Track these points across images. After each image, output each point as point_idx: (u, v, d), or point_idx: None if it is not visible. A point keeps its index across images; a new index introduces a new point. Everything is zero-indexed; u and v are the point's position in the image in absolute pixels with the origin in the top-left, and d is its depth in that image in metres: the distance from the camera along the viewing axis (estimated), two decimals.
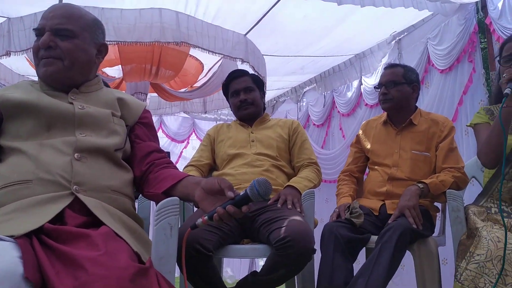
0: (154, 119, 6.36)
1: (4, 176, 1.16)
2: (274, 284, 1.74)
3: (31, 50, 1.36)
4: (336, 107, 4.97)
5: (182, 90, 4.68)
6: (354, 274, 1.80)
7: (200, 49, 3.27)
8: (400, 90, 2.17)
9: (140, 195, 1.58)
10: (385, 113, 2.28)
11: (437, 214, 2.17)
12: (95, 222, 1.14)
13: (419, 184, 1.98)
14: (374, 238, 1.89)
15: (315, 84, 5.23)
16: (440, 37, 3.43)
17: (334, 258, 1.81)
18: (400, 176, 2.10)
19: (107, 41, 3.00)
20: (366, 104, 4.33)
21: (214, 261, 1.73)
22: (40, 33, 1.31)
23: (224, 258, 2.42)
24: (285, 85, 5.61)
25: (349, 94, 4.72)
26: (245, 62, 3.48)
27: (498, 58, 1.92)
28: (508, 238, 1.55)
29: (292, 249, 1.58)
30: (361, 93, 4.46)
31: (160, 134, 6.51)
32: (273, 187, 1.96)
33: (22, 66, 4.18)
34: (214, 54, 3.36)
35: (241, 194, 1.16)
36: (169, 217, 1.25)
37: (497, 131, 1.73)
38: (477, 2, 3.15)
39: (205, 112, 5.63)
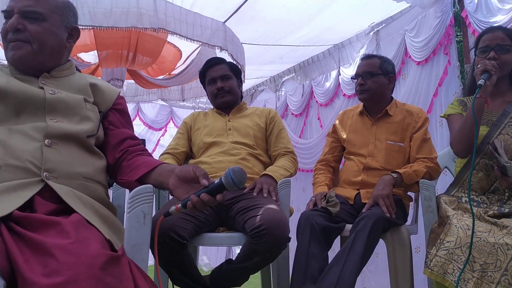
0: (131, 106, 6.28)
1: None
2: (249, 272, 1.75)
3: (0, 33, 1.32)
4: (314, 97, 4.99)
5: (160, 77, 4.63)
6: (329, 262, 1.82)
7: (178, 36, 3.22)
8: (376, 81, 2.19)
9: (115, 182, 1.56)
10: (362, 103, 2.30)
11: (410, 203, 2.21)
12: (66, 210, 1.13)
13: (393, 174, 2.01)
14: (349, 226, 1.92)
15: (294, 74, 5.24)
16: (417, 29, 3.47)
17: (309, 247, 1.83)
18: (375, 166, 2.13)
19: (83, 25, 2.93)
20: (344, 95, 4.37)
21: (189, 249, 1.73)
22: (9, 16, 1.28)
23: (201, 247, 2.42)
24: (264, 74, 5.60)
25: (328, 84, 4.75)
26: (223, 50, 3.45)
27: (474, 50, 1.96)
28: (476, 226, 1.60)
29: (267, 237, 1.59)
30: (339, 83, 4.49)
31: (137, 121, 6.44)
32: (249, 175, 1.97)
33: None
34: (192, 41, 3.32)
35: (215, 182, 1.15)
36: (143, 204, 1.24)
37: (470, 121, 1.77)
38: None
39: (183, 100, 5.58)
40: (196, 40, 3.32)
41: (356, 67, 2.37)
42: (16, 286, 0.91)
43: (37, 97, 1.26)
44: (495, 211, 1.71)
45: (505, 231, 1.56)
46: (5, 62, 1.34)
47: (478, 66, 1.77)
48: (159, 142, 6.58)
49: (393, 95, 2.34)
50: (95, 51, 3.67)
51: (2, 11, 1.30)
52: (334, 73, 4.62)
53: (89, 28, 2.98)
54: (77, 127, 1.27)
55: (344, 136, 2.29)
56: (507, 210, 1.70)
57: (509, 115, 1.84)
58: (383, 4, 3.24)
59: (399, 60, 3.65)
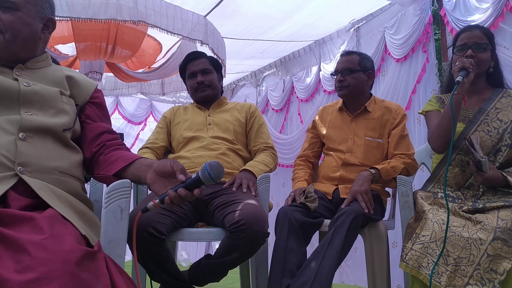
0: (110, 99, 6.19)
1: None
2: (227, 267, 1.75)
3: None
4: (295, 92, 5.01)
5: (140, 70, 4.57)
6: (307, 257, 1.84)
7: (158, 29, 3.19)
8: (355, 77, 2.20)
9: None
10: (341, 99, 2.32)
11: (388, 198, 2.24)
12: (41, 205, 1.10)
13: (371, 170, 2.03)
14: (327, 222, 1.93)
15: (274, 69, 5.25)
16: (397, 27, 3.51)
17: (288, 242, 1.84)
18: (353, 162, 2.15)
19: (60, 16, 2.87)
20: (325, 91, 4.39)
21: (168, 244, 1.72)
22: None
23: (180, 242, 2.41)
24: (245, 69, 5.59)
25: (308, 80, 4.77)
26: (204, 44, 3.43)
27: (452, 48, 1.99)
28: (451, 221, 1.63)
29: (246, 232, 1.59)
30: (319, 79, 4.52)
31: (116, 115, 6.36)
32: (229, 170, 1.98)
33: None
34: (172, 34, 3.29)
35: (192, 177, 1.14)
36: (120, 199, 1.22)
37: (447, 117, 1.80)
38: None
39: (163, 94, 5.53)
40: (177, 34, 3.29)
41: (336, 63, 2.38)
42: None
43: (11, 89, 1.22)
44: (469, 207, 1.74)
45: (479, 226, 1.59)
46: None
47: (456, 63, 1.80)
48: (139, 136, 6.52)
49: (373, 91, 2.36)
50: (73, 43, 3.60)
51: None
52: (314, 69, 4.65)
53: (67, 20, 2.92)
54: (52, 121, 1.25)
55: (324, 132, 2.31)
56: (481, 205, 1.73)
57: (485, 113, 1.88)
58: (364, 1, 3.27)
59: (379, 57, 3.69)
